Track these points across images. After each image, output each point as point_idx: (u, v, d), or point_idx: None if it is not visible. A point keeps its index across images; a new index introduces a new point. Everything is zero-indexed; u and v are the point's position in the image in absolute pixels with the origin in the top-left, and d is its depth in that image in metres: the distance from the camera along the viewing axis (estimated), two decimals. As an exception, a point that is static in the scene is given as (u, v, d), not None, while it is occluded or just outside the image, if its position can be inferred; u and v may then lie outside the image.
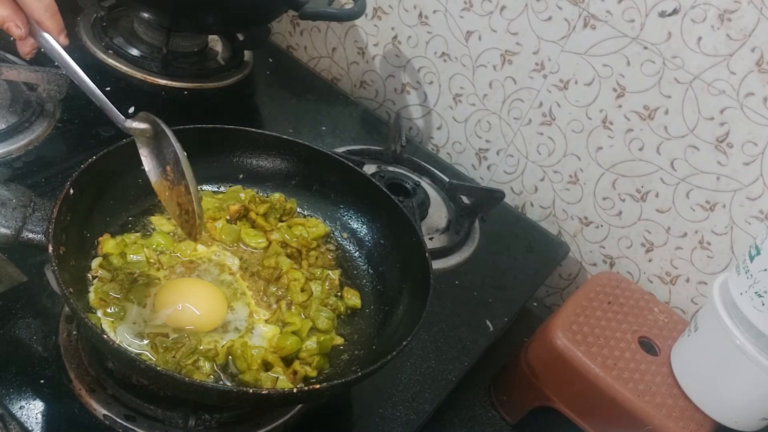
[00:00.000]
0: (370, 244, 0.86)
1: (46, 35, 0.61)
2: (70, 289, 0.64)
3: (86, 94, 0.64)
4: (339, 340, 0.75)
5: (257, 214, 0.84)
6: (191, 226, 0.67)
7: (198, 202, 0.65)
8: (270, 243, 0.83)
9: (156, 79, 1.12)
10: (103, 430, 0.67)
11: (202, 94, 1.16)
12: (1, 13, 0.57)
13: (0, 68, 0.92)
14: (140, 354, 0.66)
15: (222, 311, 0.73)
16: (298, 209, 0.88)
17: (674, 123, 1.04)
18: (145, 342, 0.68)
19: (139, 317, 0.70)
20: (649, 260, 1.14)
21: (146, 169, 0.67)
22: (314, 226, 0.86)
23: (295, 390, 0.66)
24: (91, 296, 0.69)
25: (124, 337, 0.68)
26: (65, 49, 0.62)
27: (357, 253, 0.86)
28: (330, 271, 0.82)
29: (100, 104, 0.65)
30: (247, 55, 1.29)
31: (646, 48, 1.03)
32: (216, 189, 0.87)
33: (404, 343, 0.65)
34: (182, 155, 0.64)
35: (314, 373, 0.70)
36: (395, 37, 1.28)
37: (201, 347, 0.68)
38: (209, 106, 1.16)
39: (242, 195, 0.85)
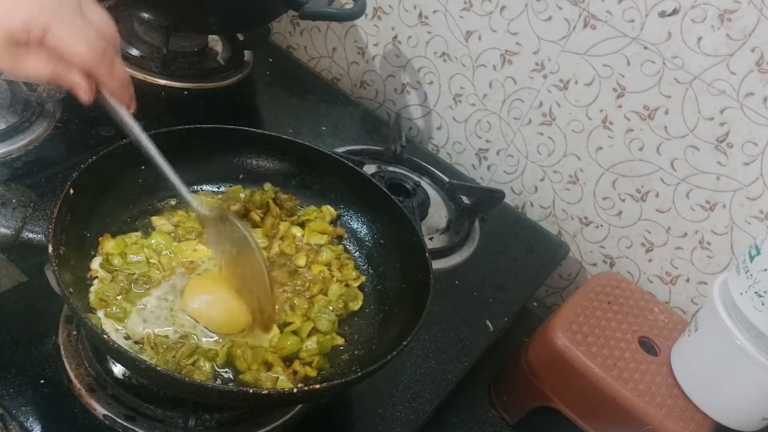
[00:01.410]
0: (370, 244, 0.86)
1: (113, 102, 0.63)
2: (70, 289, 0.64)
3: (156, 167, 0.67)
4: (339, 341, 0.75)
5: (268, 213, 0.84)
6: (261, 312, 0.70)
7: (270, 288, 0.68)
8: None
9: (156, 79, 1.12)
10: (103, 430, 0.67)
11: (202, 94, 1.16)
12: (76, 79, 0.59)
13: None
14: (140, 354, 0.66)
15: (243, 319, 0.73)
16: (299, 208, 0.88)
17: (674, 123, 1.04)
18: (145, 342, 0.68)
19: (138, 317, 0.70)
20: (649, 260, 1.14)
21: (212, 250, 0.74)
22: (321, 216, 0.86)
23: (295, 390, 0.66)
24: (91, 296, 0.69)
25: (124, 336, 0.68)
26: (135, 113, 0.65)
27: (357, 253, 0.86)
28: (352, 281, 0.81)
29: (167, 178, 0.68)
30: (247, 55, 1.29)
31: (646, 48, 1.03)
32: (216, 189, 0.87)
33: (404, 343, 0.65)
34: (256, 245, 0.67)
35: (314, 373, 0.70)
36: (395, 37, 1.28)
37: (201, 347, 0.69)
38: (209, 106, 1.16)
39: (242, 195, 0.85)
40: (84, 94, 0.60)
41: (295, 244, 0.83)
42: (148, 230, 0.79)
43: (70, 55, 0.56)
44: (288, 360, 0.71)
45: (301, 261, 0.82)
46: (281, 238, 0.83)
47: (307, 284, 0.79)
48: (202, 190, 0.85)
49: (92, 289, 0.70)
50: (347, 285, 0.81)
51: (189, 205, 0.70)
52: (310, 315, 0.76)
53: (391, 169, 1.13)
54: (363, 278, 0.82)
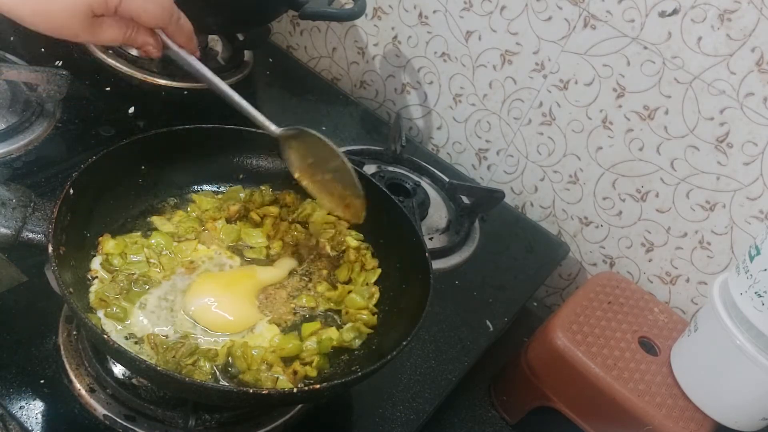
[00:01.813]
0: (370, 244, 0.86)
1: (182, 53, 0.71)
2: (70, 289, 0.64)
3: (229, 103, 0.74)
4: (356, 344, 0.75)
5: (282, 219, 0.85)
6: (350, 206, 0.78)
7: (358, 181, 0.75)
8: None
9: (156, 79, 1.12)
10: (103, 430, 0.68)
11: (202, 94, 1.15)
12: (143, 39, 0.66)
13: (0, 68, 0.92)
14: (140, 354, 0.66)
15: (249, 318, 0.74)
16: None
17: (674, 123, 1.04)
18: (145, 342, 0.68)
19: (138, 317, 0.70)
20: (649, 260, 1.14)
21: (293, 166, 0.79)
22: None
23: (295, 390, 0.66)
24: (92, 296, 0.69)
25: (124, 336, 0.68)
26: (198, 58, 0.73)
27: (357, 252, 0.86)
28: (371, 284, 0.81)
29: (246, 113, 0.75)
30: (247, 55, 1.29)
31: (646, 48, 1.03)
32: (216, 189, 0.87)
33: (404, 343, 0.65)
34: (336, 148, 0.75)
35: (314, 373, 0.70)
36: (395, 37, 1.28)
37: (201, 347, 0.68)
38: (209, 106, 1.15)
39: (242, 195, 0.85)
40: (154, 51, 0.67)
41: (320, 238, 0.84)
42: (148, 230, 0.79)
43: (145, 18, 0.63)
44: (288, 360, 0.71)
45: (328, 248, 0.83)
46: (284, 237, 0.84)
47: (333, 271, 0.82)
48: (203, 190, 0.85)
49: (92, 289, 0.70)
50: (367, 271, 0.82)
51: (266, 129, 0.75)
52: (333, 298, 0.78)
53: (391, 169, 1.13)
54: (379, 271, 0.82)
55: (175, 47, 0.69)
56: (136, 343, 0.68)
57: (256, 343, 0.71)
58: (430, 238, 1.05)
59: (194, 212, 0.82)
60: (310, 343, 0.72)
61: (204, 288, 0.74)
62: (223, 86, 0.73)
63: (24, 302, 0.75)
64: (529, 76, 1.15)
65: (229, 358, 0.69)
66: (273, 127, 0.76)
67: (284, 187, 0.88)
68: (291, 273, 0.81)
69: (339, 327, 0.76)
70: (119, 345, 0.59)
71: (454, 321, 0.95)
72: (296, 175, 0.80)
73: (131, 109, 1.05)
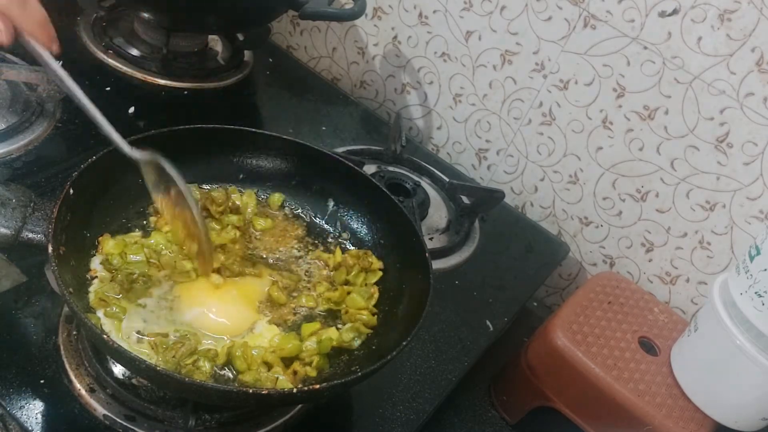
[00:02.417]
0: (370, 244, 0.86)
1: (33, 43, 0.63)
2: (70, 289, 0.64)
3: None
4: (355, 344, 0.75)
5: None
6: (201, 257, 0.72)
7: (205, 233, 0.70)
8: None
9: (156, 79, 1.12)
10: (103, 430, 0.68)
11: (202, 94, 1.16)
12: None
13: (0, 68, 0.92)
14: (140, 354, 0.66)
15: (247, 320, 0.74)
16: (300, 209, 0.88)
17: (674, 123, 1.04)
18: (145, 342, 0.68)
19: (138, 317, 0.70)
20: (649, 260, 1.14)
21: (152, 191, 0.72)
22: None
23: (295, 390, 0.66)
24: (91, 296, 0.69)
25: (124, 337, 0.68)
26: (58, 56, 0.65)
27: (357, 253, 0.86)
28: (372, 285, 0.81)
29: (101, 127, 0.68)
30: (247, 55, 1.29)
31: (646, 48, 1.03)
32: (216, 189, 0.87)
33: (404, 343, 0.65)
34: (185, 188, 0.69)
35: (314, 373, 0.70)
36: (395, 37, 1.28)
37: (201, 347, 0.68)
38: (209, 106, 1.16)
39: (241, 191, 0.85)
40: (3, 36, 0.60)
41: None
42: (148, 230, 0.79)
43: None
44: (288, 360, 0.71)
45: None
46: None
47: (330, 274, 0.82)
48: (202, 190, 0.85)
49: (92, 289, 0.70)
50: (367, 272, 0.81)
51: (119, 147, 0.69)
52: (333, 299, 0.78)
53: (391, 169, 1.13)
54: (380, 273, 0.82)
55: (25, 36, 0.62)
56: (135, 342, 0.68)
57: (256, 343, 0.71)
58: (430, 238, 1.05)
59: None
60: (310, 343, 0.72)
61: (195, 297, 0.73)
62: (79, 93, 0.66)
63: (24, 302, 0.75)
64: (529, 76, 1.15)
65: (229, 358, 0.69)
66: (127, 149, 0.69)
67: (285, 190, 0.88)
68: (290, 273, 0.81)
69: (339, 327, 0.76)
70: (119, 345, 0.59)
71: (454, 321, 0.95)
72: (156, 203, 0.74)
73: (131, 109, 1.05)
